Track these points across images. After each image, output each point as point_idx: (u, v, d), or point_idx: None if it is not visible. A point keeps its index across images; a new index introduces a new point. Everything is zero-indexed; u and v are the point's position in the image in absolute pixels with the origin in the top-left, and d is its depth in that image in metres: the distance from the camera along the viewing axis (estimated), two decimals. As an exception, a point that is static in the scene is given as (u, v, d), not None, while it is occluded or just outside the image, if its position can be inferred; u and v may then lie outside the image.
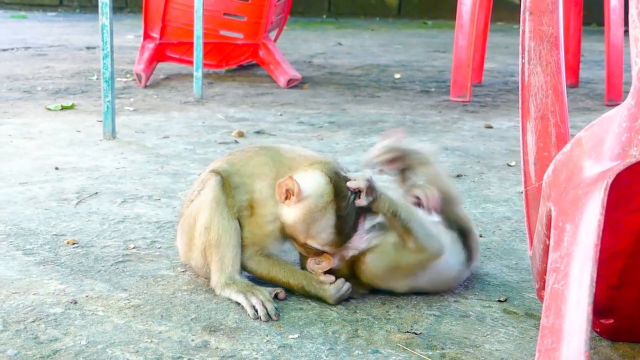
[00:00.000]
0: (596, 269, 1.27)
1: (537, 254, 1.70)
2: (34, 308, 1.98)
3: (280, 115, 4.50)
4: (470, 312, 2.01)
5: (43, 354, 1.75)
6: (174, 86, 5.45)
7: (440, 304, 2.05)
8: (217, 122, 4.28)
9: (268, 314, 1.95)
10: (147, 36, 5.79)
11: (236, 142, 3.79)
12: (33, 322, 1.91)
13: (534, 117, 2.05)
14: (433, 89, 5.56)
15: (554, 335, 1.29)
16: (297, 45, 8.00)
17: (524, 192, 2.00)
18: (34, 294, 2.06)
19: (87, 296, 2.06)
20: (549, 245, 1.44)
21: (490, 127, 4.28)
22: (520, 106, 2.05)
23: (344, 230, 2.01)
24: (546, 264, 1.47)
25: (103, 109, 3.72)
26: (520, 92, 2.06)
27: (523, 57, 2.07)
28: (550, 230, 1.46)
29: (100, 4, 3.64)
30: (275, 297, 2.04)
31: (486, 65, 6.08)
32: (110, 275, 2.20)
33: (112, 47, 3.67)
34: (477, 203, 2.91)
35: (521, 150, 2.04)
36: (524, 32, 2.07)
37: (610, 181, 1.31)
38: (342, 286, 2.03)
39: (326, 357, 1.76)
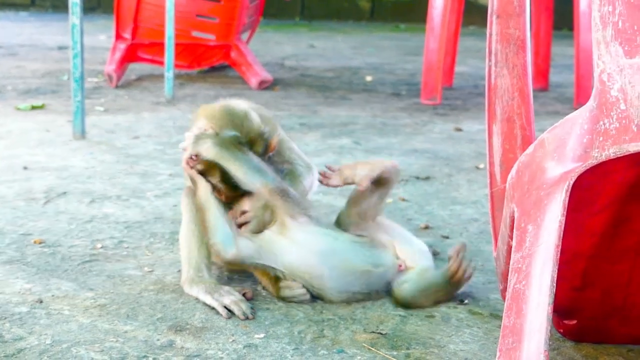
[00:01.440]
0: (557, 269, 1.28)
1: (501, 255, 1.72)
2: (-1, 307, 1.97)
3: (251, 116, 4.50)
4: (436, 313, 2.03)
5: (7, 353, 1.74)
6: (146, 87, 5.44)
7: (401, 304, 2.07)
8: (188, 122, 4.25)
9: (244, 312, 1.96)
10: (118, 36, 5.77)
11: (206, 143, 3.78)
12: (-2, 321, 1.90)
13: (500, 119, 2.07)
14: (404, 92, 5.58)
15: (514, 335, 1.31)
16: (269, 48, 7.99)
17: (489, 194, 2.02)
18: (-1, 293, 2.06)
19: (53, 295, 2.05)
20: (512, 246, 1.46)
21: (460, 129, 4.30)
22: (486, 108, 2.07)
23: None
24: (509, 264, 1.48)
25: (73, 108, 3.71)
26: (486, 94, 2.08)
27: (490, 60, 2.09)
28: (513, 231, 1.47)
29: (70, 4, 3.63)
30: (244, 296, 2.05)
31: (457, 69, 6.11)
32: (77, 274, 2.19)
33: (82, 46, 3.66)
34: (445, 205, 2.92)
35: (487, 152, 2.06)
36: (491, 35, 2.09)
37: (571, 182, 1.32)
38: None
39: (291, 356, 1.77)
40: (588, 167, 1.33)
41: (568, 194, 1.32)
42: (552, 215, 1.34)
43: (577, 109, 1.45)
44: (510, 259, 1.45)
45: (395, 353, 1.80)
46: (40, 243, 2.40)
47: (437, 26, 5.01)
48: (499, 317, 2.00)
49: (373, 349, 1.82)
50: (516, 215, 1.47)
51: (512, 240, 1.49)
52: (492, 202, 2.01)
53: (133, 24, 5.72)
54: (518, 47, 2.08)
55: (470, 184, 3.22)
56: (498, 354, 1.33)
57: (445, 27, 5.01)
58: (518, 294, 1.34)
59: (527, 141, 2.02)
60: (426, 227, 2.66)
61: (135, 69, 6.01)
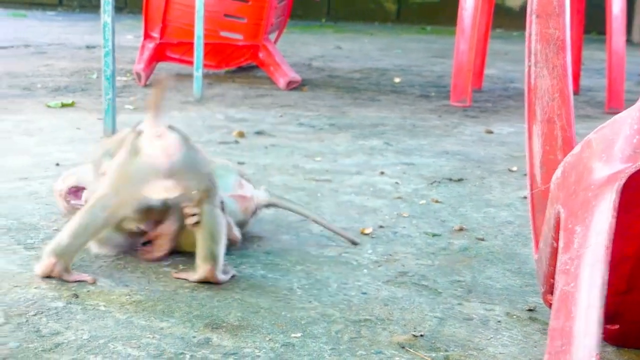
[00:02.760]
0: (607, 270, 1.26)
1: (543, 257, 1.69)
2: (35, 302, 1.97)
3: (280, 116, 4.50)
4: (474, 315, 2.00)
5: (45, 347, 1.74)
6: (174, 86, 5.44)
7: (443, 307, 2.04)
8: (217, 122, 4.28)
9: None
10: (147, 36, 5.78)
11: (237, 142, 3.79)
12: (34, 315, 1.89)
13: (540, 120, 2.05)
14: (433, 94, 5.56)
15: (564, 338, 1.29)
16: (296, 48, 7.99)
17: (529, 196, 1.99)
18: (35, 287, 2.05)
19: (88, 291, 2.04)
20: (557, 248, 1.44)
21: (490, 132, 4.28)
22: (526, 109, 2.05)
23: None
24: (553, 267, 1.46)
25: (104, 106, 3.71)
26: (526, 95, 2.05)
27: (529, 60, 2.06)
28: (558, 233, 1.45)
29: (102, 2, 3.63)
30: None
31: (486, 72, 6.08)
32: (112, 270, 2.19)
33: (113, 45, 3.66)
34: (479, 207, 2.90)
35: (527, 154, 2.04)
36: (530, 35, 2.06)
37: (622, 183, 1.30)
38: None
39: (329, 356, 1.75)
40: (638, 169, 1.31)
41: (619, 195, 1.30)
42: (601, 216, 1.32)
43: (608, 113, 1.43)
44: (554, 261, 1.43)
45: (434, 355, 1.78)
46: (74, 239, 2.40)
47: (467, 28, 4.98)
48: (538, 321, 1.98)
49: (411, 350, 1.80)
50: (562, 216, 1.45)
51: (556, 242, 1.47)
52: (533, 204, 1.99)
53: (161, 24, 5.73)
54: (558, 48, 2.05)
55: (503, 186, 3.20)
56: (546, 356, 1.31)
57: (476, 29, 4.99)
58: (567, 296, 1.32)
59: (567, 142, 1.99)
60: (460, 229, 2.63)
61: (163, 68, 6.02)
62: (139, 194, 2.05)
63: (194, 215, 2.11)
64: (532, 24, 2.07)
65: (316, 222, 2.47)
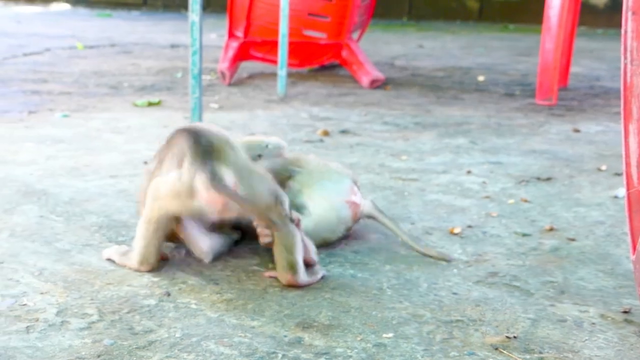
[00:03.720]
0: None
1: (642, 258, 1.65)
2: (128, 299, 1.99)
3: (365, 115, 4.49)
4: (567, 317, 1.96)
5: (139, 345, 1.76)
6: (258, 85, 5.47)
7: (535, 308, 2.01)
8: (302, 120, 4.28)
9: None
10: (231, 35, 5.83)
11: (322, 140, 3.79)
12: (128, 313, 1.92)
13: (636, 118, 2.00)
14: (518, 92, 5.49)
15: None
16: (378, 47, 7.97)
17: (625, 196, 1.95)
18: (127, 285, 2.08)
19: (179, 289, 2.06)
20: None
21: (578, 130, 4.20)
22: (621, 108, 2.00)
23: None
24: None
25: (191, 105, 3.73)
26: (622, 93, 2.00)
27: (625, 58, 2.02)
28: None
29: (190, 1, 3.66)
30: None
31: (571, 70, 5.98)
32: (202, 268, 2.20)
33: (201, 44, 3.68)
34: (569, 206, 2.85)
35: (623, 153, 1.99)
36: (626, 32, 2.01)
37: None
38: None
39: (422, 357, 1.74)
40: None
41: None
42: None
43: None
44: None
45: (528, 357, 1.75)
46: (164, 237, 2.42)
47: (553, 26, 4.90)
48: (634, 323, 1.93)
49: (505, 352, 1.77)
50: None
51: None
52: (630, 204, 1.94)
53: (246, 23, 5.77)
54: (655, 45, 2.00)
55: (593, 185, 3.13)
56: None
57: (562, 27, 4.90)
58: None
59: (666, 141, 1.94)
60: (551, 229, 2.59)
61: (247, 67, 6.07)
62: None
63: (266, 235, 2.14)
64: (628, 21, 2.02)
65: (408, 243, 2.41)
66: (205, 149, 2.02)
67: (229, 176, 2.01)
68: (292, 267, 2.09)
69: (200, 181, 1.99)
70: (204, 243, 2.23)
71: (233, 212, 2.07)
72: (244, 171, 2.05)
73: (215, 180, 1.97)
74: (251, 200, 2.04)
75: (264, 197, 2.06)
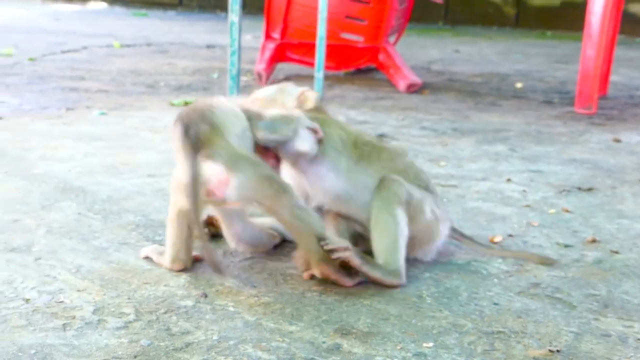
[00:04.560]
0: None
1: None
2: (165, 299, 1.97)
3: (402, 119, 4.45)
4: (611, 332, 1.92)
5: (176, 346, 1.73)
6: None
7: (579, 321, 1.96)
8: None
9: None
10: (268, 36, 5.81)
11: (359, 144, 3.75)
12: (165, 313, 1.90)
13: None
14: (556, 100, 5.42)
15: None
16: (414, 52, 7.93)
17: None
18: (164, 285, 2.06)
19: (217, 290, 2.04)
20: None
21: (618, 140, 4.14)
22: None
23: None
24: None
25: (228, 105, 3.72)
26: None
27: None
28: None
29: (230, 2, 3.66)
30: None
31: (610, 78, 5.90)
32: (239, 271, 2.18)
33: (240, 44, 3.68)
34: (612, 218, 2.80)
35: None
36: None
37: None
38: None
39: (463, 368, 1.70)
40: None
41: None
42: None
43: None
44: None
45: (572, 371, 1.71)
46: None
47: (595, 33, 4.83)
48: (681, 340, 1.88)
49: (548, 365, 1.73)
50: None
51: None
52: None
53: (283, 24, 5.75)
54: None
55: (636, 197, 3.08)
56: None
57: (604, 34, 4.83)
58: None
59: None
60: (593, 241, 2.54)
61: (283, 69, 6.05)
62: None
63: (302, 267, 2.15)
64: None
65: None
66: (193, 142, 1.99)
67: (216, 169, 1.98)
68: (317, 257, 2.07)
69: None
70: (235, 229, 2.21)
71: (237, 204, 2.06)
72: (236, 161, 2.00)
73: (195, 180, 1.95)
74: (244, 194, 2.01)
75: (262, 188, 2.02)
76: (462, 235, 2.40)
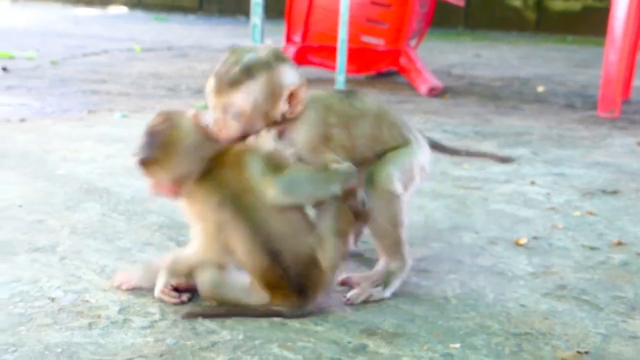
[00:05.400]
0: None
1: None
2: (190, 299, 1.97)
3: (424, 123, 4.44)
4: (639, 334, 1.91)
5: (202, 345, 1.73)
6: (315, 89, 5.44)
7: (606, 323, 1.95)
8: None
9: None
10: (289, 39, 5.82)
11: (381, 147, 3.74)
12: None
13: None
14: (578, 104, 5.40)
15: None
16: (434, 56, 7.92)
17: None
18: (189, 285, 2.05)
19: (242, 291, 2.03)
20: None
21: (642, 144, 4.11)
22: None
23: None
24: None
25: (250, 107, 3.72)
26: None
27: None
28: None
29: (252, 4, 3.66)
30: None
31: (633, 83, 5.86)
32: (264, 271, 2.17)
33: (262, 46, 3.68)
34: (637, 221, 2.77)
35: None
36: None
37: None
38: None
39: (490, 369, 1.69)
40: None
41: None
42: None
43: None
44: None
45: (601, 373, 1.70)
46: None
47: (618, 38, 4.81)
48: None
49: (576, 367, 1.72)
50: None
51: None
52: None
53: (303, 28, 5.76)
54: None
55: (661, 200, 3.06)
56: None
57: (627, 40, 4.81)
58: None
59: None
60: (619, 243, 2.52)
61: (303, 72, 6.03)
62: None
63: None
64: None
65: None
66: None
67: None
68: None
69: None
70: None
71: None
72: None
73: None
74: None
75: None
76: (443, 146, 2.33)
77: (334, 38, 5.17)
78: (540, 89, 6.05)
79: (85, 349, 1.70)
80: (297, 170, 1.91)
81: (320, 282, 1.90)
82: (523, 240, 2.49)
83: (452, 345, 1.79)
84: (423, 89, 5.51)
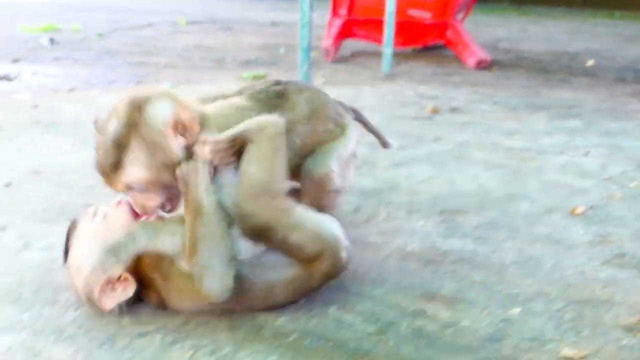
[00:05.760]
0: None
1: None
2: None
3: (473, 94, 4.39)
4: (703, 302, 1.87)
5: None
6: (361, 62, 5.42)
7: (668, 291, 1.91)
8: (408, 98, 4.21)
9: None
10: (335, 13, 5.78)
11: (431, 118, 3.71)
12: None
13: None
14: (630, 78, 5.31)
15: None
16: (480, 30, 7.83)
17: None
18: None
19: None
20: None
21: (696, 118, 4.04)
22: None
23: None
24: None
25: (299, 78, 3.71)
26: None
27: None
28: None
29: (301, -26, 3.62)
30: None
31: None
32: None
33: (311, 17, 3.64)
34: (695, 192, 2.73)
35: None
36: None
37: None
38: None
39: (552, 335, 1.66)
40: None
41: None
42: None
43: None
44: None
45: (665, 340, 1.67)
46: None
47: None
48: None
49: (639, 334, 1.69)
50: None
51: None
52: None
53: (349, 1, 5.72)
54: None
55: None
56: None
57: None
58: None
59: None
60: (679, 215, 2.48)
61: (349, 45, 6.02)
62: None
63: None
64: None
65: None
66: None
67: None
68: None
69: None
70: None
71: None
72: None
73: None
74: None
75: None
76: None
77: (380, 11, 5.13)
78: (590, 63, 5.96)
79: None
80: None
81: None
82: (579, 210, 2.46)
83: (511, 311, 1.76)
84: (471, 61, 5.45)
